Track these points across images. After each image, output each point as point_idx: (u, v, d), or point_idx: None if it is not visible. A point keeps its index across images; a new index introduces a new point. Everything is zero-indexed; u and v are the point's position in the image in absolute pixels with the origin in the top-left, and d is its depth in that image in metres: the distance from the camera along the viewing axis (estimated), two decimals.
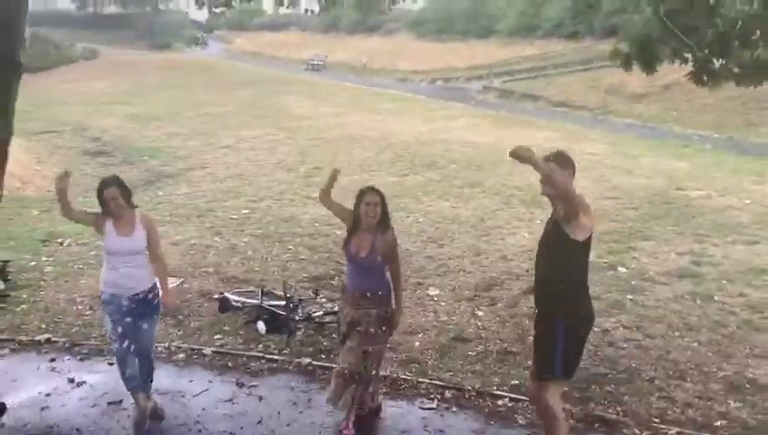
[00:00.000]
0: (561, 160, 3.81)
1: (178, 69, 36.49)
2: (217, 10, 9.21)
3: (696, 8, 5.31)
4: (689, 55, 5.55)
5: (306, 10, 9.26)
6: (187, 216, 10.17)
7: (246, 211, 10.40)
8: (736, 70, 5.42)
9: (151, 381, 4.79)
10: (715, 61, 5.46)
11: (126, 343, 4.53)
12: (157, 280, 4.67)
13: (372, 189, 4.42)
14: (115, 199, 4.40)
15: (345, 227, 4.56)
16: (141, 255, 4.55)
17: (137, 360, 4.59)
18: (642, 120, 19.90)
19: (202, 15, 11.46)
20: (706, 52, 5.43)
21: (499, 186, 11.66)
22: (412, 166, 13.67)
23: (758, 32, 5.30)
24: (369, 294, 4.39)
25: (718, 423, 4.56)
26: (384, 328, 4.43)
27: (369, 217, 4.34)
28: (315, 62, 37.45)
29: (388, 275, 4.46)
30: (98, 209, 4.54)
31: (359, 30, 42.78)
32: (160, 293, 4.68)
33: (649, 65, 5.90)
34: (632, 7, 6.41)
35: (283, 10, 8.95)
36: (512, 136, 17.21)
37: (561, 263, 3.79)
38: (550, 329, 3.84)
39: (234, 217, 10.08)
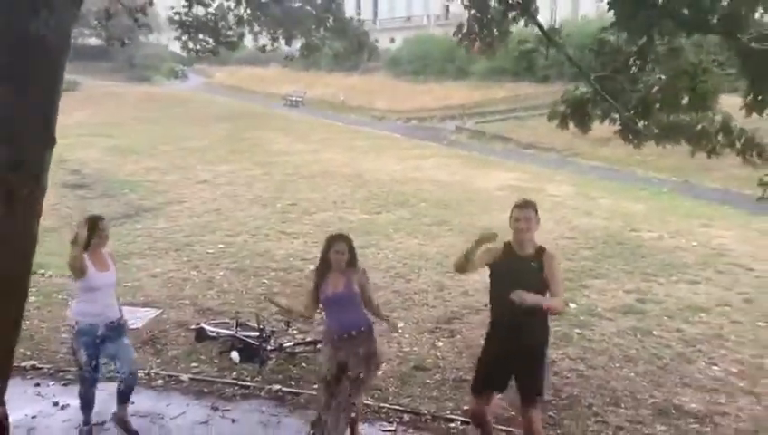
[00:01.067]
0: (533, 207, 4.47)
1: (158, 102, 36.94)
2: (203, 55, 9.76)
3: (622, 74, 6.00)
4: (617, 116, 6.23)
5: (286, 57, 9.82)
6: (166, 249, 10.59)
7: (222, 245, 10.84)
8: (656, 130, 6.10)
9: (131, 392, 5.20)
10: (638, 121, 6.15)
11: (97, 374, 5.08)
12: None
13: (341, 238, 4.76)
14: (105, 232, 4.94)
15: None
16: (114, 286, 5.11)
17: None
18: (607, 163, 20.77)
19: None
20: (632, 113, 6.12)
21: (465, 224, 12.26)
22: (385, 203, 14.25)
23: (679, 97, 6.01)
24: (354, 332, 4.61)
25: None
26: (372, 368, 4.72)
27: (339, 263, 4.68)
28: (294, 98, 38.18)
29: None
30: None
31: (338, 67, 43.79)
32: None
33: (583, 124, 6.59)
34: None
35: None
36: (481, 176, 17.97)
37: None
38: (540, 355, 4.48)
39: (210, 251, 10.52)
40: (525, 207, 4.42)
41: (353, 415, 4.87)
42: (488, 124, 27.60)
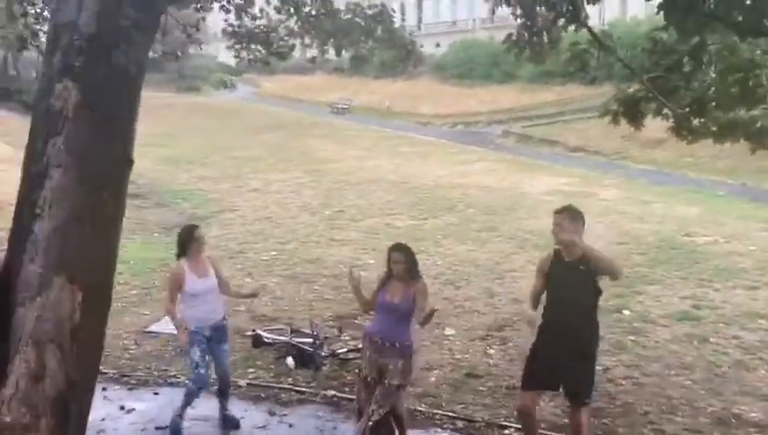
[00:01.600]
0: (572, 214, 4.56)
1: (207, 112, 37.87)
2: (254, 65, 10.02)
3: (676, 72, 5.94)
4: (670, 113, 6.16)
5: (336, 68, 10.00)
6: (220, 257, 10.82)
7: (275, 253, 11.07)
8: (714, 128, 6.01)
9: (228, 396, 5.58)
10: (693, 119, 6.07)
11: (208, 371, 5.33)
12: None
13: (398, 248, 4.91)
14: (203, 239, 5.31)
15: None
16: (216, 291, 5.36)
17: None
18: (657, 166, 20.42)
19: (230, 59, 12.30)
20: (687, 110, 6.05)
21: (514, 230, 12.23)
22: (432, 209, 14.31)
23: (733, 93, 5.92)
24: (397, 344, 4.72)
25: None
26: (404, 382, 4.82)
27: (397, 272, 4.82)
28: (340, 106, 38.63)
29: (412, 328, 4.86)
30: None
31: (383, 74, 44.07)
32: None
33: (635, 121, 6.54)
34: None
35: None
36: (529, 180, 17.87)
37: (592, 305, 4.57)
38: (592, 360, 4.61)
39: (263, 258, 10.76)
40: (559, 213, 4.57)
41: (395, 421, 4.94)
42: (535, 128, 27.41)
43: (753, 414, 5.62)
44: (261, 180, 18.22)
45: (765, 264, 9.96)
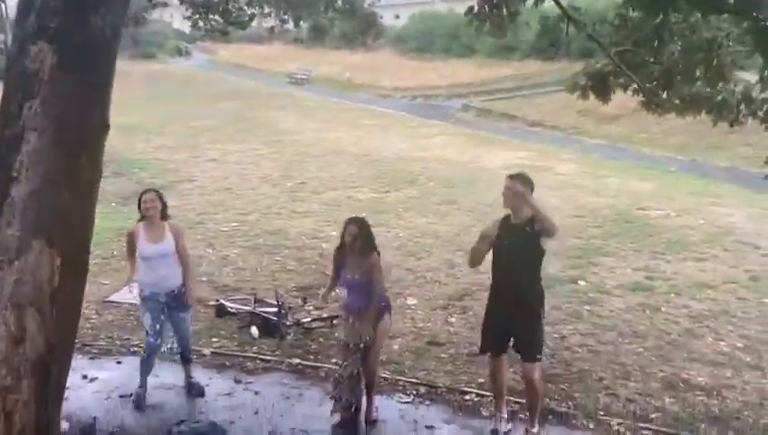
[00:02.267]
0: (524, 180, 4.76)
1: (163, 80, 36.98)
2: (212, 34, 9.86)
3: (644, 47, 6.08)
4: (638, 87, 6.32)
5: (296, 39, 9.91)
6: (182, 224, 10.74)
7: (235, 224, 11.00)
8: (677, 102, 6.19)
9: (191, 362, 5.61)
10: (660, 93, 6.24)
11: (159, 340, 5.32)
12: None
13: (352, 221, 5.06)
14: (153, 202, 5.22)
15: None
16: (172, 257, 5.29)
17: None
18: (612, 141, 20.83)
19: (186, 26, 12.01)
20: (654, 84, 6.21)
21: (473, 203, 12.39)
22: (393, 182, 14.36)
23: (697, 70, 6.10)
24: (368, 309, 4.94)
25: (654, 416, 5.28)
26: (382, 341, 5.13)
27: (351, 246, 4.97)
28: (299, 76, 38.15)
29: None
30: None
31: (342, 45, 43.59)
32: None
33: (604, 96, 6.69)
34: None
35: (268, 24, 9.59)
36: (488, 155, 18.05)
37: (536, 266, 4.74)
38: (538, 319, 4.76)
39: (224, 229, 10.69)
40: (512, 178, 4.81)
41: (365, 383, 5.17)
42: (495, 102, 27.59)
43: (700, 378, 5.91)
44: (219, 150, 17.98)
45: (713, 237, 10.34)
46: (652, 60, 6.32)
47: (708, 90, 6.02)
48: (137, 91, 32.01)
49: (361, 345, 4.98)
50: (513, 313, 4.75)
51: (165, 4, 10.22)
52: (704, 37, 5.80)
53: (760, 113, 6.00)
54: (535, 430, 4.96)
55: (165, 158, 17.03)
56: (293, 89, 35.69)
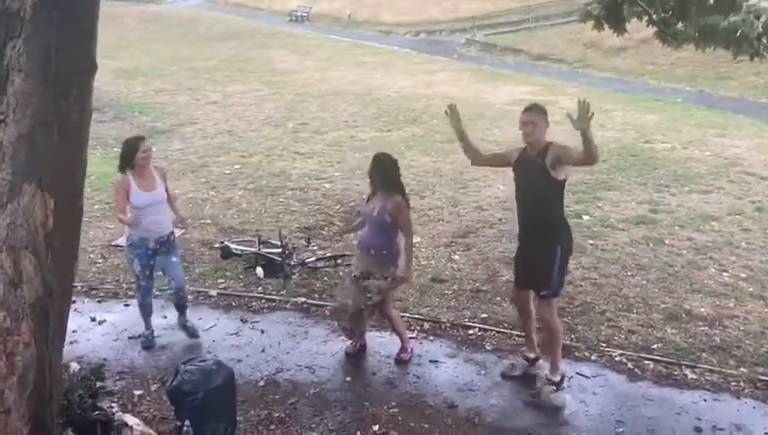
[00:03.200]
0: (540, 110, 4.62)
1: (160, 21, 36.32)
2: None
3: None
4: (655, 17, 6.12)
5: None
6: (182, 171, 10.72)
7: (238, 166, 10.96)
8: (695, 34, 5.99)
9: (186, 308, 5.63)
10: (676, 23, 6.03)
11: (151, 281, 5.38)
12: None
13: (373, 157, 5.02)
14: (148, 152, 5.14)
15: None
16: (164, 203, 5.28)
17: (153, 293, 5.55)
18: (619, 74, 20.49)
19: None
20: (670, 14, 6.00)
21: (478, 140, 12.24)
22: (396, 121, 14.22)
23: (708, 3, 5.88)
24: (373, 252, 4.93)
25: (655, 346, 5.35)
26: (393, 283, 5.02)
27: (375, 184, 4.96)
28: (299, 14, 37.40)
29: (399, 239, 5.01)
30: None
31: None
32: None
33: (618, 26, 6.48)
34: None
35: None
36: (492, 90, 17.81)
37: (551, 199, 4.55)
38: (550, 255, 4.56)
39: (227, 172, 10.65)
40: (529, 111, 4.60)
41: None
42: (498, 36, 27.06)
43: (702, 309, 5.96)
44: (219, 92, 17.77)
45: (719, 169, 10.26)
46: None
47: (725, 22, 5.80)
48: (134, 33, 31.56)
49: (365, 282, 4.95)
50: (529, 245, 4.70)
51: None
52: None
53: None
54: (556, 378, 4.74)
55: (165, 101, 16.85)
56: (294, 27, 35.02)
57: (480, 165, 5.47)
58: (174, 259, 5.43)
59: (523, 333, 5.22)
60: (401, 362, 5.17)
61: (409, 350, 5.24)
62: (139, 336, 5.56)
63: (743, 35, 5.74)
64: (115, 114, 15.25)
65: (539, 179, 4.49)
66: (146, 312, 5.53)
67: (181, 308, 5.63)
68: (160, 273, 5.55)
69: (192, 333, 5.61)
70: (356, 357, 5.27)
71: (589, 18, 6.65)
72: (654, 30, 6.51)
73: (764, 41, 5.75)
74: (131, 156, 5.13)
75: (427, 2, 34.63)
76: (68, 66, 2.74)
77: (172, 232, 5.43)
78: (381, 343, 5.44)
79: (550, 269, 4.58)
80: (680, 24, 6.32)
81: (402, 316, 5.84)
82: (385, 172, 4.96)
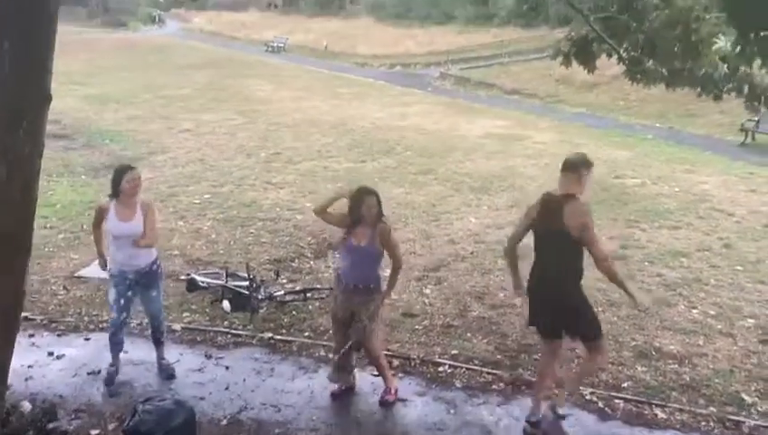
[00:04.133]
0: (568, 168, 4.54)
1: (135, 48, 36.18)
2: (182, 3, 9.52)
3: (629, 12, 5.95)
4: (624, 54, 6.20)
5: (269, 4, 9.61)
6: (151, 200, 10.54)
7: (208, 196, 10.81)
8: (664, 72, 6.08)
9: (162, 344, 5.45)
10: (645, 61, 6.12)
11: (124, 315, 5.17)
12: (156, 252, 5.29)
13: (370, 192, 4.86)
14: (137, 181, 5.03)
15: (309, 213, 5.07)
16: (140, 235, 5.08)
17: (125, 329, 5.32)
18: (591, 109, 20.84)
19: None
20: (640, 52, 6.09)
21: (450, 173, 12.31)
22: (370, 152, 14.21)
23: (675, 45, 5.98)
24: (361, 286, 4.84)
25: (625, 384, 5.31)
26: (373, 322, 4.92)
27: (371, 217, 4.80)
28: (275, 44, 37.56)
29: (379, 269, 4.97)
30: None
31: (319, 12, 42.88)
32: (160, 263, 5.36)
33: (587, 63, 6.56)
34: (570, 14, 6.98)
35: None
36: (466, 123, 17.94)
37: (576, 258, 4.51)
38: (584, 303, 4.59)
39: (196, 201, 10.49)
40: (563, 170, 4.55)
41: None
42: (472, 70, 27.43)
43: (672, 347, 5.94)
44: (193, 121, 17.63)
45: (688, 205, 10.39)
46: (635, 26, 6.18)
47: (690, 64, 5.89)
48: (108, 60, 31.36)
49: (357, 320, 4.87)
50: (553, 306, 4.56)
51: None
52: (680, 7, 5.66)
53: (745, 90, 5.91)
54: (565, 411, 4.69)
55: (137, 129, 16.65)
56: (270, 57, 35.13)
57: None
58: (153, 293, 5.26)
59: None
60: (386, 403, 5.02)
61: (393, 391, 5.08)
62: (99, 371, 5.37)
63: (707, 77, 5.85)
64: (85, 142, 15.03)
65: (562, 243, 4.43)
66: (115, 347, 5.29)
67: (157, 341, 5.45)
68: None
69: (167, 372, 5.39)
70: (341, 398, 5.12)
71: (559, 55, 6.74)
72: (624, 68, 6.61)
73: (728, 84, 5.87)
74: (117, 183, 5.02)
75: (402, 35, 35.12)
76: (19, 98, 2.64)
77: (154, 263, 5.23)
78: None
79: (586, 317, 4.56)
80: (649, 63, 6.43)
81: None
82: (380, 203, 4.88)
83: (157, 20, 52.04)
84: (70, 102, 19.94)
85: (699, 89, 6.08)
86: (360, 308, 4.86)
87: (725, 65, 5.71)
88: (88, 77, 25.87)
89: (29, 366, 5.46)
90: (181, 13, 50.35)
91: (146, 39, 41.06)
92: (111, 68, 28.76)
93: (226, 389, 5.20)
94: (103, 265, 5.34)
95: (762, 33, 3.81)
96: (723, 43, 5.38)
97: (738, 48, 4.63)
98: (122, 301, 5.14)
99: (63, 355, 5.67)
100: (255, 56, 34.57)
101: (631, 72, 6.54)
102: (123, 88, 23.12)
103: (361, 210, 4.80)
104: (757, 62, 5.03)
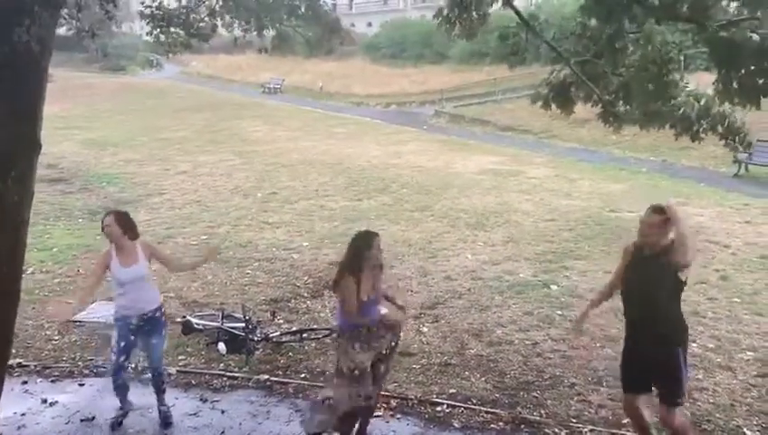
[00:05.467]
0: (657, 212, 4.42)
1: (133, 92, 36.56)
2: (176, 49, 9.68)
3: (602, 58, 6.07)
4: (598, 98, 6.31)
5: (259, 49, 9.75)
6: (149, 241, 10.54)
7: (205, 237, 10.83)
8: (637, 114, 6.18)
9: (164, 392, 5.37)
10: (618, 105, 6.23)
11: (123, 358, 5.12)
12: (160, 299, 5.30)
13: (372, 234, 4.81)
14: (109, 227, 4.97)
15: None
16: (144, 280, 5.09)
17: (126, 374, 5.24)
18: (584, 144, 20.98)
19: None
20: (614, 96, 6.19)
21: (446, 209, 12.35)
22: (366, 190, 14.28)
23: (649, 86, 6.06)
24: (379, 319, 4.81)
25: (625, 421, 5.23)
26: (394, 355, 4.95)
27: (378, 262, 4.75)
28: (271, 86, 37.99)
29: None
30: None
31: (315, 53, 43.41)
32: (164, 311, 5.36)
33: (565, 107, 6.67)
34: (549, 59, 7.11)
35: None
36: (461, 160, 18.06)
37: (675, 300, 4.41)
38: (673, 358, 4.36)
39: (193, 243, 10.50)
40: (650, 215, 4.43)
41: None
42: (466, 108, 27.68)
43: None
44: (189, 163, 17.74)
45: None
46: (611, 71, 6.31)
47: (663, 104, 5.97)
48: (106, 104, 31.68)
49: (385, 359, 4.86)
50: (651, 350, 4.42)
51: (117, 19, 10.00)
52: (656, 48, 5.77)
53: (720, 128, 5.99)
54: None
55: (134, 171, 16.75)
56: (266, 98, 35.51)
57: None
58: (154, 340, 5.22)
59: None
60: None
61: None
62: (93, 418, 5.34)
63: (684, 116, 5.93)
64: (82, 185, 15.10)
65: (665, 280, 4.32)
66: (120, 390, 5.24)
67: (157, 388, 5.39)
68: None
69: (165, 419, 5.31)
70: None
71: (538, 99, 6.86)
72: (598, 111, 6.72)
73: (703, 123, 5.94)
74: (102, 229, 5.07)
75: (396, 75, 35.55)
76: (7, 146, 2.67)
77: (158, 309, 5.22)
78: None
79: (679, 373, 4.38)
80: (622, 107, 6.54)
81: None
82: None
83: (155, 64, 52.64)
84: (68, 147, 20.12)
85: (676, 128, 6.16)
86: (384, 346, 4.91)
87: (698, 104, 5.80)
88: (87, 121, 26.11)
89: (22, 414, 5.41)
90: (179, 56, 50.98)
91: (144, 83, 41.54)
92: (110, 112, 29.04)
93: (222, 433, 5.15)
94: (76, 310, 5.45)
95: (742, 72, 3.90)
96: (694, 85, 5.48)
97: (720, 86, 4.71)
98: (123, 343, 5.10)
99: (56, 402, 5.62)
100: (252, 98, 34.95)
101: (604, 116, 6.65)
102: (121, 131, 23.32)
103: (367, 259, 4.66)
104: (734, 100, 5.10)
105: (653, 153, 19.14)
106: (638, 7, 4.91)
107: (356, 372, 4.66)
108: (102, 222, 5.09)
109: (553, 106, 6.99)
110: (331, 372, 4.99)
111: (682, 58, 5.56)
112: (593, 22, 6.18)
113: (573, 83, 6.40)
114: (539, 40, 6.36)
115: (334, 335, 6.72)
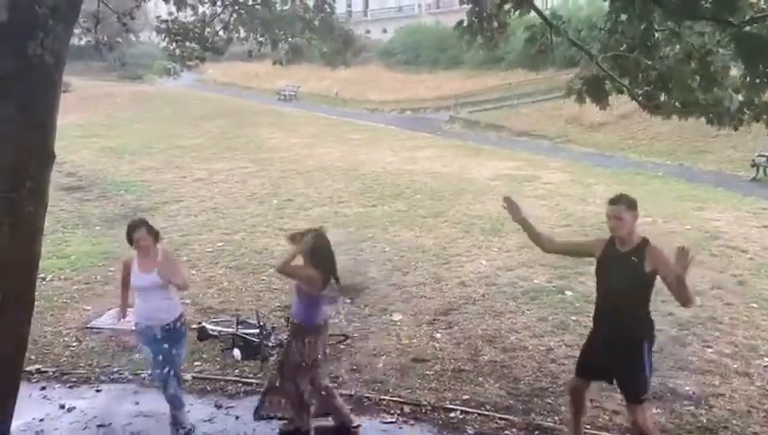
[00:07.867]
0: (629, 203, 4.47)
1: (151, 100, 36.94)
2: (191, 63, 9.78)
3: (636, 51, 6.02)
4: (638, 90, 6.27)
5: (274, 62, 9.80)
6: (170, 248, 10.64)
7: (221, 244, 10.91)
8: (677, 104, 6.12)
9: (181, 407, 5.32)
10: (659, 95, 6.18)
11: (167, 369, 5.10)
12: (181, 308, 5.31)
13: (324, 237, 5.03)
14: (145, 241, 5.01)
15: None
16: (162, 288, 5.05)
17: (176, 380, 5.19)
18: (599, 149, 20.90)
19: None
20: (651, 87, 6.14)
21: (460, 215, 12.35)
22: (380, 196, 14.32)
23: (690, 79, 6.03)
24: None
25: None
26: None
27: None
28: (287, 93, 38.23)
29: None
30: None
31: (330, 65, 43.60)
32: (185, 320, 5.35)
33: (600, 100, 6.62)
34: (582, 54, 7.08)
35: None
36: (476, 166, 18.06)
37: (643, 293, 4.43)
38: (636, 351, 4.38)
39: (209, 249, 10.59)
40: (616, 203, 4.43)
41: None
42: (482, 113, 27.69)
43: (687, 387, 5.85)
44: (206, 170, 17.91)
45: (698, 242, 10.30)
46: (648, 63, 6.24)
47: (708, 95, 5.91)
48: (124, 112, 32.05)
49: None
50: (613, 344, 4.43)
51: (135, 30, 10.14)
52: (693, 44, 5.74)
53: (765, 117, 5.92)
54: None
55: (151, 179, 16.93)
56: (281, 105, 35.73)
57: (555, 253, 5.46)
58: (174, 351, 5.17)
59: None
60: None
61: None
62: (110, 424, 5.37)
63: (724, 108, 5.88)
64: (100, 193, 15.29)
65: (634, 278, 4.36)
66: (175, 405, 5.20)
67: (170, 403, 5.31)
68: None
69: (178, 424, 5.26)
70: None
71: (571, 93, 6.81)
72: (639, 101, 6.67)
73: (745, 113, 5.88)
74: (129, 239, 5.07)
75: (411, 81, 35.64)
76: (22, 157, 2.73)
77: (179, 320, 5.19)
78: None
79: (641, 370, 4.39)
80: (663, 97, 6.48)
81: (381, 399, 5.71)
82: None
83: (172, 72, 53.07)
84: (86, 155, 20.39)
85: (715, 119, 6.10)
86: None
87: (739, 95, 5.76)
88: (105, 129, 26.44)
89: (40, 419, 5.48)
90: (196, 64, 51.39)
91: (161, 91, 41.91)
92: (128, 120, 29.38)
93: None
94: (120, 316, 5.44)
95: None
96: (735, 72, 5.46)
97: (747, 81, 4.69)
98: (159, 356, 5.07)
99: (74, 408, 5.68)
100: (268, 105, 35.19)
101: (647, 107, 6.58)
102: (139, 139, 23.58)
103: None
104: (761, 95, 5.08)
105: (669, 157, 19.05)
106: (658, 8, 4.89)
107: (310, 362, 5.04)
108: (135, 238, 5.01)
109: (566, 106, 6.96)
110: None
111: (719, 50, 5.52)
112: (623, 17, 6.14)
113: (607, 77, 6.36)
114: (563, 39, 6.31)
115: (348, 341, 6.81)
